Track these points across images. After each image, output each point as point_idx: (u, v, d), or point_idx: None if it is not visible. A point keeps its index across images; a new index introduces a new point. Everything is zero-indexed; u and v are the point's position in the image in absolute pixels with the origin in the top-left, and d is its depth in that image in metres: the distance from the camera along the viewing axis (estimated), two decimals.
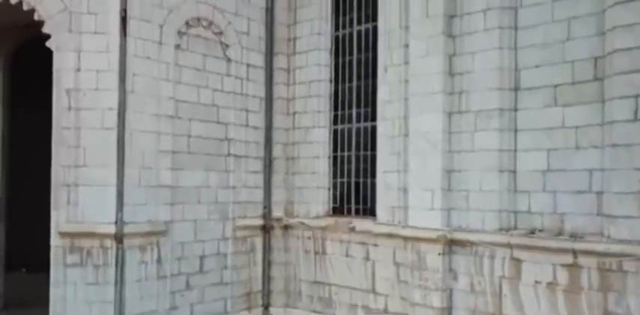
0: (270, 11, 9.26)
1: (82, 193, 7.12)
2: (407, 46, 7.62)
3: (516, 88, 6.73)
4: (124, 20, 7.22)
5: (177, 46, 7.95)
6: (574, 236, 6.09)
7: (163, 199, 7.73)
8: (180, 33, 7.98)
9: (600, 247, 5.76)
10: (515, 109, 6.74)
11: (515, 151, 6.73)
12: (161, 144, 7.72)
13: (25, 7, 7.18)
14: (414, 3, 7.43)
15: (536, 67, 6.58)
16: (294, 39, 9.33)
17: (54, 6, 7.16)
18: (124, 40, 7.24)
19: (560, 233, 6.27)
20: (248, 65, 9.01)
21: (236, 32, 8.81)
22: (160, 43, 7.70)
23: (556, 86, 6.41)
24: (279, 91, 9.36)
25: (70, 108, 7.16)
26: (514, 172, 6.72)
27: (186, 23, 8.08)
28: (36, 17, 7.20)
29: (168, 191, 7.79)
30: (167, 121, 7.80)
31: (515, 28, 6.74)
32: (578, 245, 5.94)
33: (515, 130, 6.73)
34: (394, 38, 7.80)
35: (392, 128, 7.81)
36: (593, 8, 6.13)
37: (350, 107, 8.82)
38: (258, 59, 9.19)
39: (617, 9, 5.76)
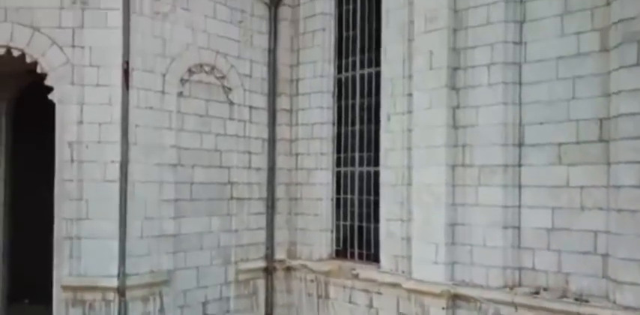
0: (272, 52, 9.25)
1: (84, 246, 7.11)
2: (410, 95, 7.59)
3: (520, 144, 6.69)
4: (126, 73, 7.20)
5: (180, 94, 7.94)
6: (579, 299, 6.03)
7: (166, 248, 7.72)
8: (182, 80, 7.97)
9: (606, 313, 5.71)
10: (520, 165, 6.69)
11: (520, 207, 6.68)
12: (164, 193, 7.70)
13: (28, 60, 7.17)
14: (417, 53, 7.40)
15: (541, 124, 6.53)
16: (297, 80, 9.31)
17: (56, 59, 7.16)
18: (127, 93, 7.23)
19: (564, 294, 6.21)
20: (251, 107, 9.00)
21: (239, 75, 8.79)
22: (163, 92, 7.70)
23: (560, 144, 6.37)
24: (282, 132, 9.34)
25: (72, 160, 7.15)
26: (518, 228, 6.67)
27: (189, 70, 8.07)
28: (39, 70, 7.19)
29: (170, 240, 7.78)
30: (169, 169, 7.78)
31: (520, 84, 6.70)
32: (584, 309, 5.88)
33: (520, 187, 6.68)
34: (397, 86, 7.78)
35: (395, 176, 7.79)
36: (598, 69, 6.08)
37: (353, 150, 8.78)
38: (261, 101, 9.18)
39: (623, 73, 5.72)
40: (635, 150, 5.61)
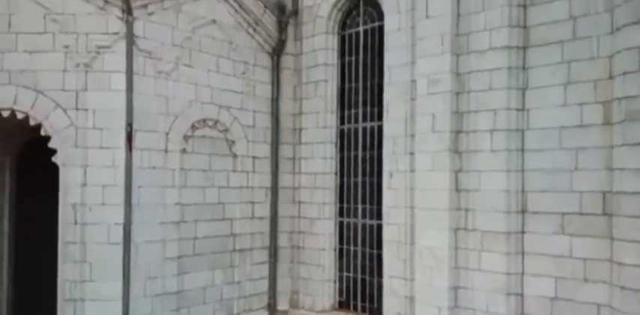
0: (275, 101, 9.27)
1: (88, 308, 7.11)
2: (412, 154, 7.60)
3: (523, 211, 6.68)
4: (129, 135, 7.22)
5: (183, 151, 7.95)
6: None
7: (169, 306, 7.73)
8: (185, 137, 7.99)
9: None
10: (523, 232, 6.69)
11: (523, 274, 6.67)
12: (167, 251, 7.72)
13: (31, 122, 7.20)
14: (420, 114, 7.40)
15: (544, 192, 6.52)
16: (300, 129, 9.32)
17: (60, 122, 7.18)
18: (130, 155, 7.24)
19: None
20: (254, 157, 9.01)
21: (242, 126, 8.81)
22: (166, 150, 7.72)
23: (564, 214, 6.36)
24: (285, 180, 9.35)
25: (75, 223, 7.16)
26: (521, 295, 6.66)
27: (192, 126, 8.09)
28: (42, 132, 7.21)
29: (173, 297, 7.79)
30: (173, 227, 7.79)
31: (523, 150, 6.70)
32: None
33: (523, 254, 6.67)
34: (399, 144, 7.79)
35: (398, 234, 7.78)
36: (601, 142, 6.07)
37: (356, 202, 8.78)
38: (264, 150, 9.19)
39: (626, 151, 5.70)
40: (638, 229, 5.59)
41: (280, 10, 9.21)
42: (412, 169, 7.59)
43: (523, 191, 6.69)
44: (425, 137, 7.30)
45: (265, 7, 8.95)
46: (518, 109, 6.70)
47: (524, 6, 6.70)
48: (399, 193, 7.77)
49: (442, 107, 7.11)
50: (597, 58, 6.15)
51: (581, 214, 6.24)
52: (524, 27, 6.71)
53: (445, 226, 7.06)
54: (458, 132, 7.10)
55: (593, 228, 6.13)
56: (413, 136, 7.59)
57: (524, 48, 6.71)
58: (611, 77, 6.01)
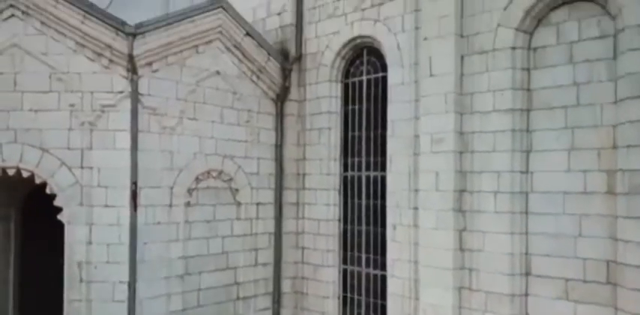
0: (279, 147, 9.30)
1: None
2: (416, 208, 7.61)
3: (527, 274, 6.69)
4: (134, 194, 7.26)
5: (187, 204, 7.98)
6: None
7: None
8: (190, 190, 8.01)
9: None
10: (526, 295, 6.69)
11: None
12: (171, 305, 7.75)
13: (37, 181, 7.25)
14: (423, 171, 7.40)
15: (547, 256, 6.52)
16: (304, 175, 9.34)
17: (65, 180, 7.22)
18: (135, 213, 7.28)
19: None
20: (258, 204, 9.03)
21: (246, 174, 8.83)
22: (170, 205, 7.75)
23: (567, 280, 6.35)
24: (289, 225, 9.37)
25: (81, 280, 7.21)
26: None
27: (196, 178, 8.10)
28: (48, 191, 7.26)
29: None
30: (177, 281, 7.82)
31: (526, 213, 6.70)
32: None
33: None
34: (403, 198, 7.79)
35: (402, 288, 7.79)
36: (605, 210, 6.05)
37: (359, 250, 8.79)
38: (268, 195, 9.21)
39: (631, 223, 5.70)
40: None
41: (284, 56, 9.25)
42: (416, 224, 7.59)
43: (527, 254, 6.69)
44: (428, 195, 7.31)
45: (269, 54, 8.98)
46: (522, 172, 6.70)
47: (528, 69, 6.71)
48: (403, 247, 7.78)
49: (446, 166, 7.11)
50: (601, 126, 6.14)
51: (585, 281, 6.23)
52: (528, 90, 6.73)
53: (449, 285, 7.06)
54: (462, 191, 7.10)
55: (597, 296, 6.12)
56: (417, 191, 7.59)
57: (528, 111, 6.71)
58: (614, 147, 6.01)
